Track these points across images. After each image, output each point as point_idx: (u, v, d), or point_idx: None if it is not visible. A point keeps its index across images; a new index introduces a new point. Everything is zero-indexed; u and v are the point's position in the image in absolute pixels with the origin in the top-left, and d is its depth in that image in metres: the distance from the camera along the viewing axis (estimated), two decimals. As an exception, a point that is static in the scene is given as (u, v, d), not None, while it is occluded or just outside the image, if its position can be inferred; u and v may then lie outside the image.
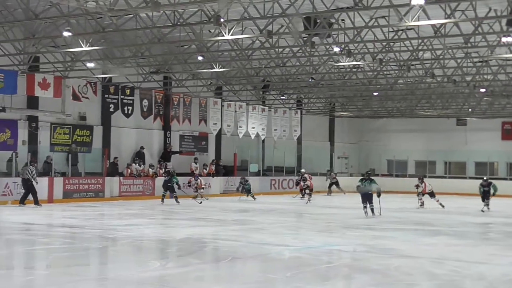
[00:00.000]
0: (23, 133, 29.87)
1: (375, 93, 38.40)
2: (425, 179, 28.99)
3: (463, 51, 26.04)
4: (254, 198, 32.29)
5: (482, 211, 25.85)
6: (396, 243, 15.75)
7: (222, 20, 20.07)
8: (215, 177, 35.76)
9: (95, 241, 16.11)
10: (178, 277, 11.45)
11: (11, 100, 28.82)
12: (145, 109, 34.12)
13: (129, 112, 33.41)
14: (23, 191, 25.86)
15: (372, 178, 23.11)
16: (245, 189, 32.83)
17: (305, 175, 32.94)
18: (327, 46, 25.86)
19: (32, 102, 29.98)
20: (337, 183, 39.09)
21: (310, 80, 34.53)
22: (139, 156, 33.96)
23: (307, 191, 31.76)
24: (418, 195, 28.40)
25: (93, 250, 15.03)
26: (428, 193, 28.18)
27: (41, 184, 27.29)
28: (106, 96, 32.61)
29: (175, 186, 28.98)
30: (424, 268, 12.52)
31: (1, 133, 29.07)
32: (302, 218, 24.35)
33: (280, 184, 39.02)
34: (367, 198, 22.31)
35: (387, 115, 47.36)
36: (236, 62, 29.97)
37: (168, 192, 29.05)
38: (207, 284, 11.03)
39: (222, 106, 37.92)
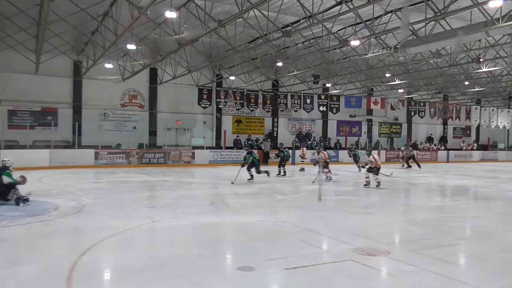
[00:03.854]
0: (364, 128, 30.13)
1: None
2: None
3: None
4: None
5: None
6: None
7: (481, 60, 17.74)
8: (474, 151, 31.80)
9: (402, 185, 15.37)
10: (451, 207, 10.59)
11: (359, 111, 29.36)
12: (432, 113, 31.87)
13: (422, 115, 31.50)
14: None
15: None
16: None
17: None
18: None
19: (370, 112, 30.00)
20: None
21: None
22: (428, 139, 31.91)
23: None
24: None
25: (400, 190, 14.37)
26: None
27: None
28: (409, 106, 31.22)
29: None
30: None
31: (353, 128, 29.82)
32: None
33: (519, 156, 32.91)
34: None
35: None
36: (490, 84, 26.06)
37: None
38: (471, 212, 10.03)
39: (480, 110, 33.69)
